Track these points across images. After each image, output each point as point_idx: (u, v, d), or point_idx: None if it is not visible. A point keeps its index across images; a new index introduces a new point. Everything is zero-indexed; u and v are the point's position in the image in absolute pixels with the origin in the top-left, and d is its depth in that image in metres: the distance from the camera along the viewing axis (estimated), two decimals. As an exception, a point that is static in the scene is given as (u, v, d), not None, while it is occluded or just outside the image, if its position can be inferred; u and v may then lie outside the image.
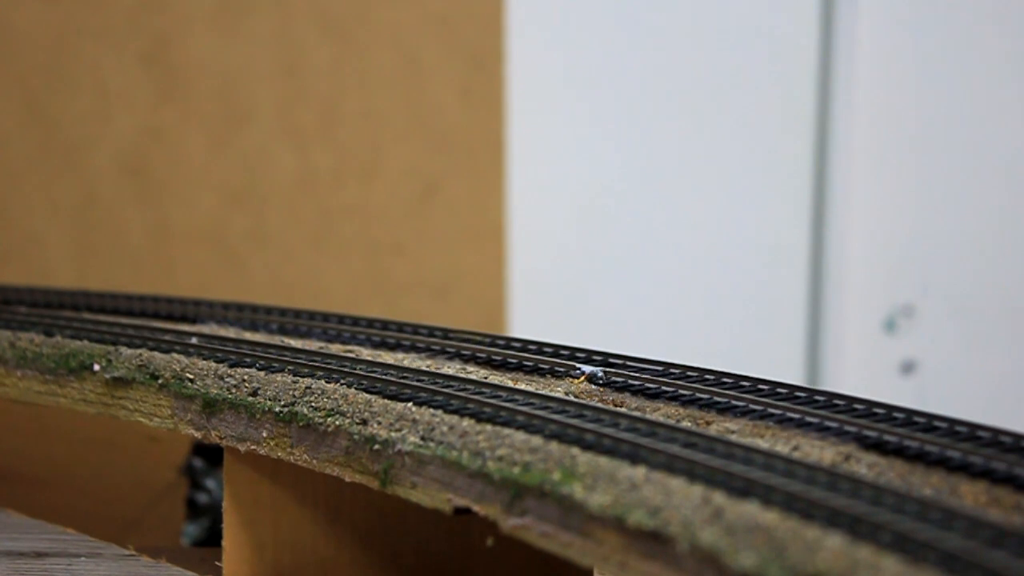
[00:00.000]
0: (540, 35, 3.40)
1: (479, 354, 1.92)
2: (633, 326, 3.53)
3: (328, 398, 1.74)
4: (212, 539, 2.27)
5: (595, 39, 3.47)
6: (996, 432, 1.54)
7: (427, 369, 1.83)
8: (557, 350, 1.92)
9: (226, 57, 3.13)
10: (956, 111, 3.61)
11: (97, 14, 3.04)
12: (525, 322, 3.36)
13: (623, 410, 1.66)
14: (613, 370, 1.82)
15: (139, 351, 1.96)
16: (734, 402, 1.68)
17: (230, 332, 2.10)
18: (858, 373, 3.58)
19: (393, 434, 1.64)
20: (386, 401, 1.70)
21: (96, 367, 1.97)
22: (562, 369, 1.84)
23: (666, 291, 3.56)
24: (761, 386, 1.74)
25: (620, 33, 3.48)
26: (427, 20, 3.25)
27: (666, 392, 1.74)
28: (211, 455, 2.43)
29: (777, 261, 3.60)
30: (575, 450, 1.49)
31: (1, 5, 2.98)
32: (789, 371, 3.59)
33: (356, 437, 1.67)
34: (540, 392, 1.72)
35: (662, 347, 3.38)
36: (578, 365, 1.83)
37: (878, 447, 1.54)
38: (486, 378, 1.81)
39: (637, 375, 1.79)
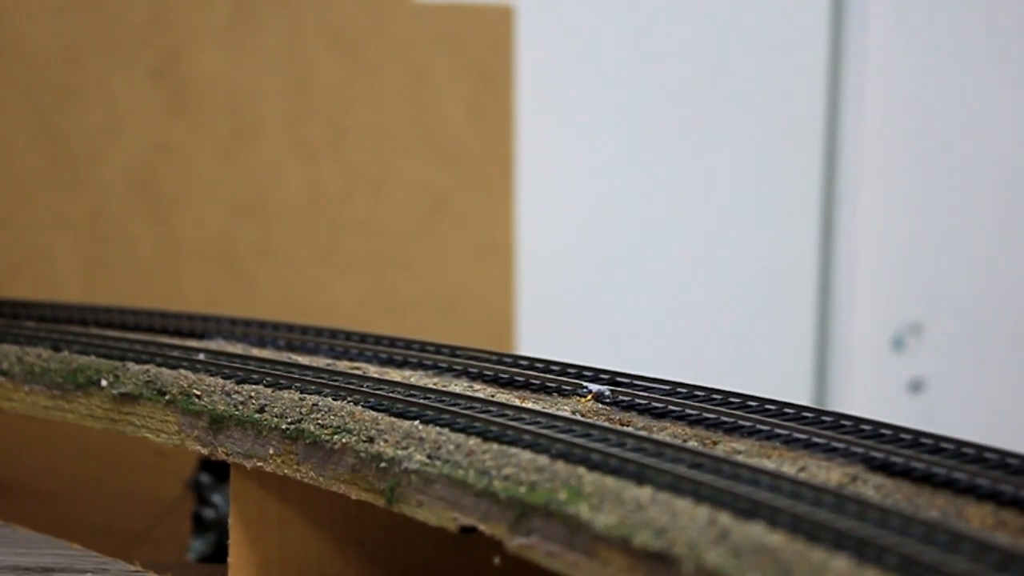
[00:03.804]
0: (548, 51, 3.40)
1: (486, 372, 1.92)
2: (640, 343, 3.53)
3: (335, 415, 1.74)
4: (218, 555, 2.27)
5: (603, 55, 3.48)
6: (1003, 454, 1.54)
7: (434, 387, 1.83)
8: (564, 368, 1.91)
9: (235, 72, 3.14)
10: (966, 128, 3.61)
11: (107, 29, 3.04)
12: (532, 338, 3.36)
13: (630, 429, 1.66)
14: (620, 389, 1.81)
15: (146, 367, 1.96)
16: (741, 422, 1.68)
17: (237, 348, 2.10)
18: (866, 391, 3.58)
19: (400, 452, 1.63)
20: (393, 419, 1.70)
21: (103, 382, 1.97)
22: (569, 387, 1.83)
23: (674, 308, 3.55)
24: (768, 406, 1.74)
25: (628, 49, 3.49)
26: (436, 36, 3.25)
27: (673, 411, 1.74)
28: (218, 470, 2.43)
29: (785, 279, 3.60)
30: (581, 470, 1.49)
31: (11, 20, 2.99)
32: (797, 389, 3.59)
33: (363, 455, 1.67)
34: (547, 411, 1.71)
35: (670, 364, 3.38)
36: (585, 383, 1.83)
37: (885, 468, 1.53)
38: (493, 396, 1.81)
39: (644, 394, 1.79)
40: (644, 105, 3.52)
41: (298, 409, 1.77)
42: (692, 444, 1.62)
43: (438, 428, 1.65)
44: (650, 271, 3.53)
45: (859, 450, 1.57)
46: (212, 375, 1.91)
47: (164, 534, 2.67)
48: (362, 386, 1.81)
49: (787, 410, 1.72)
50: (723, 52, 3.55)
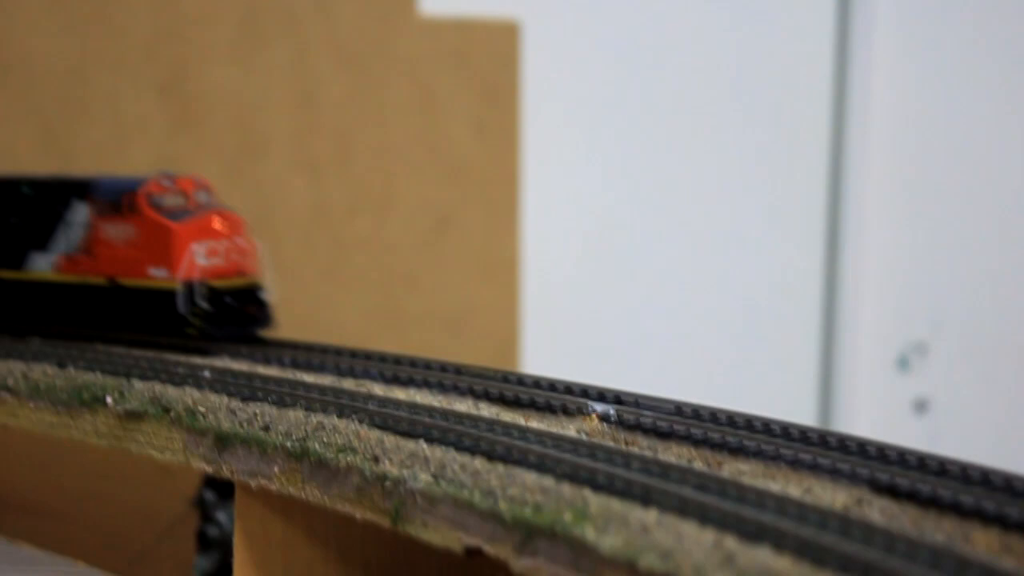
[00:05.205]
0: (554, 70, 3.41)
1: (491, 391, 1.92)
2: (644, 360, 3.53)
3: (340, 434, 1.73)
4: (222, 573, 2.26)
5: (608, 75, 3.48)
6: (1008, 477, 1.53)
7: (439, 406, 1.83)
8: (569, 388, 1.91)
9: (242, 88, 3.14)
10: (971, 148, 3.61)
11: (114, 44, 3.05)
12: (537, 355, 3.36)
13: (635, 450, 1.66)
14: (625, 408, 1.81)
15: (151, 384, 1.96)
16: (746, 443, 1.68)
17: (243, 366, 2.10)
18: (871, 410, 3.58)
19: (405, 472, 1.63)
20: (398, 438, 1.70)
21: (108, 399, 1.97)
22: (574, 407, 1.83)
23: (678, 326, 3.55)
24: (773, 427, 1.73)
25: (633, 69, 3.49)
26: (442, 54, 3.26)
27: (678, 432, 1.73)
28: (223, 488, 2.42)
29: (790, 297, 3.60)
30: (587, 491, 1.48)
31: (19, 35, 2.99)
32: (802, 408, 3.59)
33: (368, 474, 1.66)
34: (552, 431, 1.71)
35: (674, 381, 3.39)
36: (590, 403, 1.83)
37: (890, 491, 1.53)
38: (498, 416, 1.81)
39: (649, 414, 1.78)
40: (649, 122, 3.52)
41: (303, 428, 1.76)
42: (697, 465, 1.62)
43: (443, 448, 1.65)
44: (654, 289, 3.53)
45: (864, 472, 1.57)
46: (217, 393, 1.91)
47: (168, 551, 2.67)
48: (367, 405, 1.81)
49: (792, 431, 1.72)
50: (729, 69, 3.55)
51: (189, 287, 2.17)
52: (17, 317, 2.33)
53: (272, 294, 2.27)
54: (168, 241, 2.17)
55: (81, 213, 2.27)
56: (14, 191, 2.33)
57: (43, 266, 2.30)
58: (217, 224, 2.22)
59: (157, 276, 2.18)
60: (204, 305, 2.17)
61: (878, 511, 1.48)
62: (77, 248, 2.27)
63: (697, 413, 1.80)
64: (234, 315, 2.20)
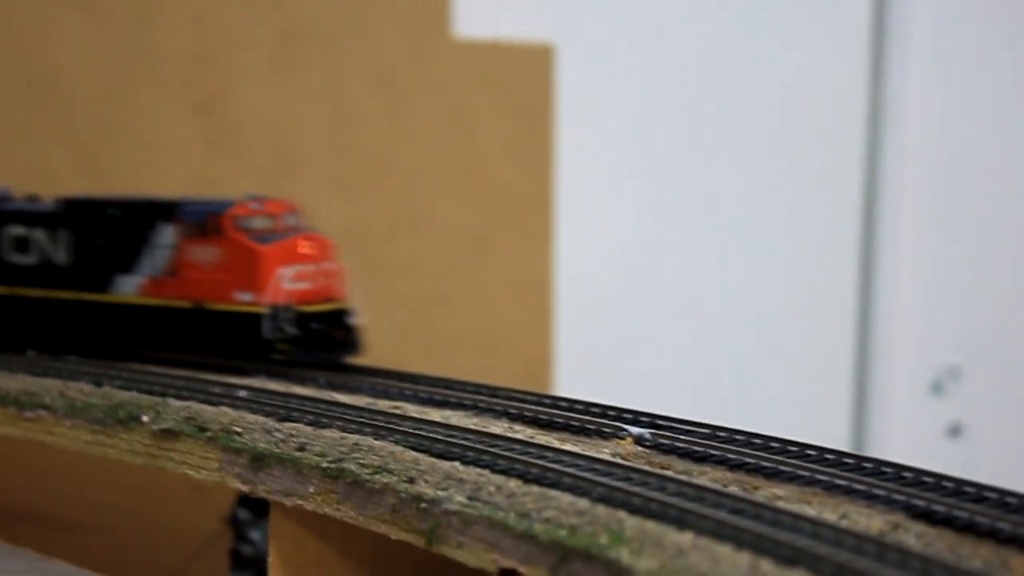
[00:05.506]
0: (589, 92, 3.41)
1: (526, 413, 1.92)
2: (677, 382, 3.52)
3: (376, 455, 1.74)
4: (256, 591, 2.27)
5: (642, 98, 3.48)
6: (1047, 504, 1.53)
7: (474, 427, 1.84)
8: (604, 410, 1.91)
9: (278, 109, 3.16)
10: (1007, 172, 3.60)
11: (151, 65, 3.07)
12: (570, 376, 3.36)
13: (670, 473, 1.66)
14: (661, 432, 1.81)
15: (187, 403, 1.97)
16: (781, 467, 1.68)
17: (279, 386, 2.11)
18: (904, 435, 3.57)
19: (440, 493, 1.64)
20: (433, 459, 1.70)
21: (144, 418, 1.98)
22: (609, 430, 1.83)
23: (712, 349, 3.55)
24: (808, 451, 1.73)
25: (667, 92, 3.50)
26: (477, 75, 3.27)
27: (713, 456, 1.73)
28: (257, 506, 2.43)
29: (824, 322, 3.59)
30: (622, 514, 1.48)
31: (57, 56, 3.02)
32: (836, 432, 3.58)
33: (403, 495, 1.67)
34: (587, 453, 1.71)
35: (707, 404, 3.38)
36: (625, 426, 1.83)
37: (927, 517, 1.52)
38: (533, 438, 1.81)
39: (684, 438, 1.79)
40: (682, 145, 3.52)
41: (339, 448, 1.77)
42: (733, 489, 1.62)
43: (478, 469, 1.66)
44: (687, 311, 3.53)
45: (901, 498, 1.56)
46: (253, 412, 1.92)
47: (201, 569, 2.68)
48: (403, 426, 1.82)
49: (827, 456, 1.72)
50: (763, 93, 3.55)
51: (275, 312, 2.14)
52: (101, 340, 2.33)
53: (361, 319, 2.21)
54: (254, 265, 2.14)
55: (167, 236, 2.25)
56: (100, 213, 2.33)
57: (128, 289, 2.30)
58: (305, 248, 2.18)
59: (243, 300, 2.16)
60: (290, 330, 2.14)
61: (914, 536, 1.48)
62: (163, 271, 2.26)
63: (732, 437, 1.80)
64: (321, 340, 2.17)
